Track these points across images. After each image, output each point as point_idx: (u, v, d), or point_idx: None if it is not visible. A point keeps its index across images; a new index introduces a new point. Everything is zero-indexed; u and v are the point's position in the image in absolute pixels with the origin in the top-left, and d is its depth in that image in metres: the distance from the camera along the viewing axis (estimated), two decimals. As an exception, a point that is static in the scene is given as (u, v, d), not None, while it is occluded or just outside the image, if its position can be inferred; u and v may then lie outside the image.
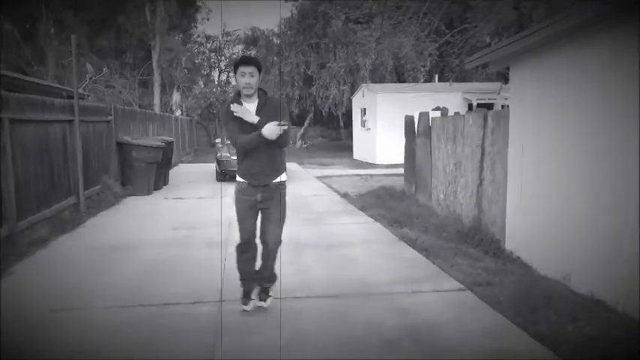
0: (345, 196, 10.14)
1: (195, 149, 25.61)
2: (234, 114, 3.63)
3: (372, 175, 14.12)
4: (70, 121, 7.89)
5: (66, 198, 7.70)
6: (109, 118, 10.16)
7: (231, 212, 8.55)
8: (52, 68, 22.73)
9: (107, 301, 4.26)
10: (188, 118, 25.72)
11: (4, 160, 5.73)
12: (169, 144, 12.18)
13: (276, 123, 3.51)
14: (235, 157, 3.93)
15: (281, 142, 3.66)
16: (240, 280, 4.06)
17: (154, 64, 23.63)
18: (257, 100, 3.72)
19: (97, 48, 23.96)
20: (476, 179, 6.48)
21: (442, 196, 7.76)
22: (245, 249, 3.96)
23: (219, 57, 33.53)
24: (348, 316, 3.96)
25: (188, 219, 7.85)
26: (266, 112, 3.66)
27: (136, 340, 3.52)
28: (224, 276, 4.81)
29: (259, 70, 3.66)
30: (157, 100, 23.96)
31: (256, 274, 4.06)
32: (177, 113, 26.26)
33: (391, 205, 8.64)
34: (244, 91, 3.65)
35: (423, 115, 8.63)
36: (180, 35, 30.02)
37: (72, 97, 9.01)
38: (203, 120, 29.29)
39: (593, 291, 4.33)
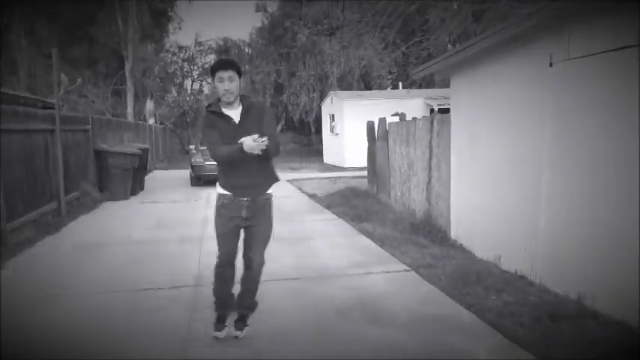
0: (312, 196, 10.83)
1: (169, 156, 25.98)
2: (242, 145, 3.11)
3: (339, 178, 14.84)
4: (52, 131, 8.36)
5: (48, 203, 8.15)
6: (87, 127, 10.62)
7: (204, 212, 9.13)
8: (24, 78, 22.84)
9: (94, 287, 4.82)
10: (161, 126, 26.09)
11: (-6, 167, 6.22)
12: (145, 151, 12.66)
13: (255, 137, 3.11)
14: (209, 163, 3.46)
15: (270, 152, 3.26)
16: (216, 303, 3.69)
17: (127, 74, 23.97)
18: (240, 107, 3.38)
19: (69, 58, 24.13)
20: (425, 177, 7.24)
21: (399, 193, 8.52)
22: (225, 270, 3.57)
23: (191, 66, 33.96)
24: (308, 294, 4.62)
25: (165, 220, 8.40)
26: (252, 118, 3.36)
27: (122, 316, 4.11)
28: (200, 265, 5.44)
29: (239, 74, 3.30)
30: (130, 109, 24.28)
31: (233, 299, 3.72)
32: (151, 121, 26.55)
33: (355, 203, 9.35)
34: (224, 98, 3.29)
35: (382, 121, 9.39)
36: (153, 45, 30.36)
37: (47, 108, 9.48)
38: (176, 128, 29.65)
39: (517, 268, 5.10)
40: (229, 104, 3.35)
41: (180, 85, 33.70)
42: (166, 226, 7.82)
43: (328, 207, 9.25)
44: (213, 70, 3.28)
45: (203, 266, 5.47)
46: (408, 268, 5.32)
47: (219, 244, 3.52)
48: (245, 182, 3.38)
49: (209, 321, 3.91)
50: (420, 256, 5.82)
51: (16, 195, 6.92)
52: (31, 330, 3.86)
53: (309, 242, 6.58)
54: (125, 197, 10.83)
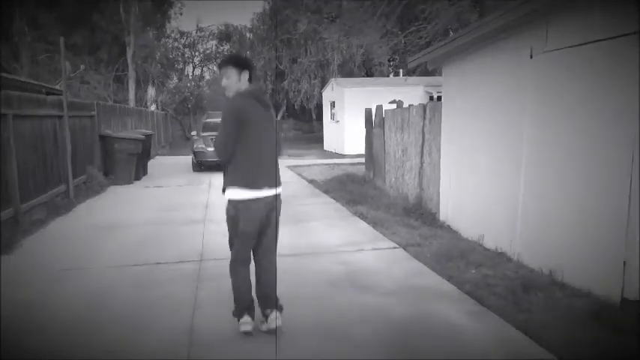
0: (311, 182, 11.21)
1: (170, 142, 26.33)
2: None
3: (339, 164, 15.20)
4: (60, 117, 8.72)
5: (57, 186, 8.54)
6: (93, 113, 10.97)
7: (207, 196, 9.50)
8: (27, 65, 23.10)
9: (106, 263, 5.22)
10: (163, 112, 26.40)
11: (9, 151, 6.59)
12: (148, 137, 13.02)
13: None
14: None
15: (280, 150, 3.59)
16: (239, 301, 3.44)
17: (129, 60, 24.22)
18: None
19: (71, 44, 24.37)
20: (418, 163, 7.61)
21: (393, 179, 8.89)
22: (245, 265, 3.41)
23: (192, 52, 34.16)
24: (303, 268, 5.02)
25: (170, 203, 8.79)
26: None
27: (136, 288, 4.50)
28: (204, 243, 5.84)
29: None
30: (131, 95, 24.57)
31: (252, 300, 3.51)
32: (152, 108, 26.86)
33: (351, 188, 9.73)
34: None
35: (379, 108, 9.72)
36: (155, 31, 30.54)
37: (50, 94, 9.84)
38: (177, 114, 29.96)
39: (498, 246, 5.49)
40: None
41: (182, 71, 33.95)
42: (171, 209, 8.21)
43: (326, 192, 9.63)
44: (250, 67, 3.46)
45: (207, 243, 5.88)
46: (397, 246, 5.71)
47: (243, 246, 3.34)
48: (266, 175, 3.33)
49: (213, 290, 4.31)
50: (410, 236, 6.21)
51: (29, 177, 7.30)
52: (47, 303, 4.23)
53: (307, 223, 6.97)
54: (129, 182, 11.21)
